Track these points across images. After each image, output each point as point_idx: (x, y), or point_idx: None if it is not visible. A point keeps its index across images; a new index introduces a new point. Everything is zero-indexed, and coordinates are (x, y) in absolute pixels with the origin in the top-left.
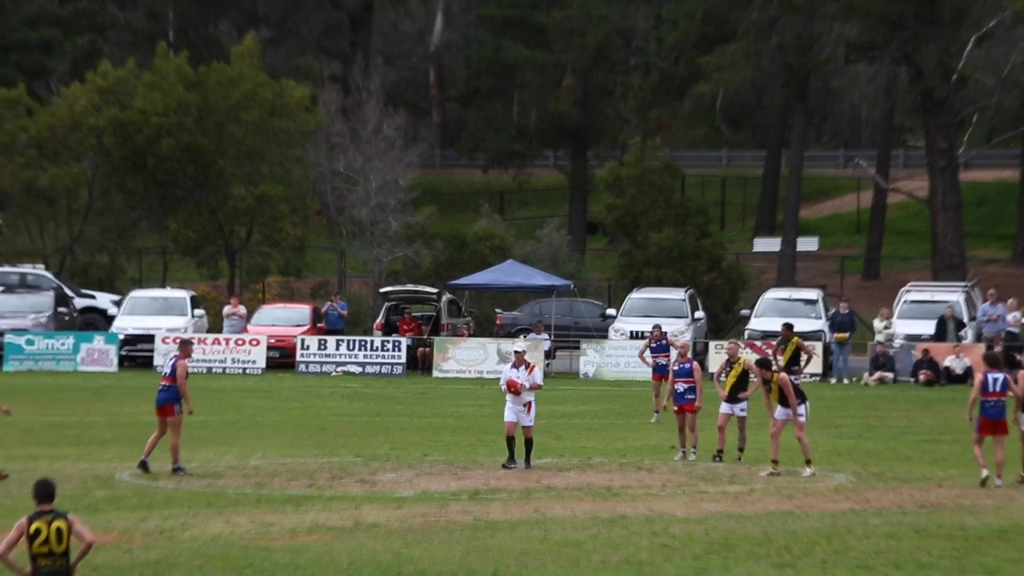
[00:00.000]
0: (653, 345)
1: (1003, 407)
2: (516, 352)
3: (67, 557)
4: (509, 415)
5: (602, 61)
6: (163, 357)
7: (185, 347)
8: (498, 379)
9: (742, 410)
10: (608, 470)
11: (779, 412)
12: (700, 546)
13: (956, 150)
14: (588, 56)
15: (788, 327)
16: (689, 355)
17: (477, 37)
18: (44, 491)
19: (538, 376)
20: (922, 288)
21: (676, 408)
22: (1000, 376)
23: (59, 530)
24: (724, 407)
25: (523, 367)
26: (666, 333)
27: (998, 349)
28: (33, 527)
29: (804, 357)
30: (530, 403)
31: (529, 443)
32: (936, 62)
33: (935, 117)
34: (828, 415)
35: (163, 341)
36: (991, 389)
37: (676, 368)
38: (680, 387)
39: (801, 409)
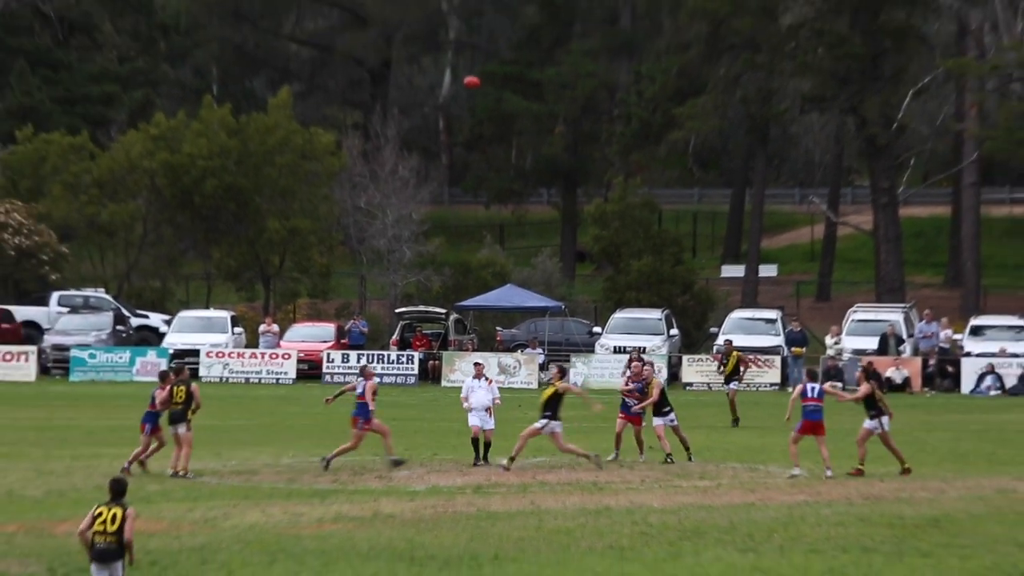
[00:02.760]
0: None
1: (821, 411)
2: (476, 364)
3: (117, 538)
4: (474, 420)
5: (589, 111)
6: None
7: (366, 371)
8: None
9: (671, 420)
10: (594, 468)
11: (868, 423)
12: (674, 533)
13: (896, 189)
14: (577, 107)
15: (729, 343)
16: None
17: (481, 90)
18: (116, 488)
19: (494, 391)
20: (867, 309)
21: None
22: (817, 385)
23: (115, 515)
24: (655, 420)
25: (483, 378)
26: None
27: (932, 362)
28: (98, 510)
29: (743, 368)
30: (490, 409)
31: (488, 445)
32: (879, 112)
33: (878, 160)
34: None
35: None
36: (809, 395)
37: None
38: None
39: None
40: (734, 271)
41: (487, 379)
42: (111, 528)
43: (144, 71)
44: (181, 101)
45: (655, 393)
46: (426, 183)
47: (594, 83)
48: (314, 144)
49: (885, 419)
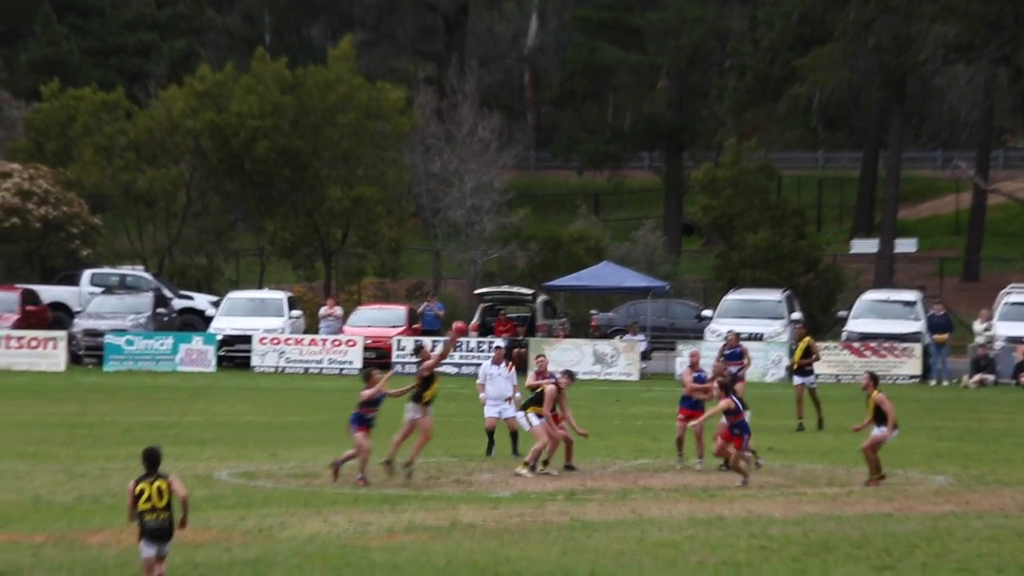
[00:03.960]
0: (727, 352)
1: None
2: (496, 348)
3: (169, 511)
4: (490, 412)
5: (697, 62)
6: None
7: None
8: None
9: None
10: (705, 471)
11: (876, 430)
12: (799, 548)
13: None
14: (683, 57)
15: (801, 325)
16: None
17: (572, 39)
18: (151, 459)
19: (514, 380)
20: (1023, 289)
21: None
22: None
23: (159, 489)
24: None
25: (503, 363)
26: (739, 338)
27: None
28: (138, 488)
29: (814, 357)
30: (511, 399)
31: (515, 434)
32: None
33: None
34: (928, 417)
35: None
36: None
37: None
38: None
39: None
40: (866, 246)
41: (508, 365)
42: (160, 503)
43: (186, 17)
44: (229, 52)
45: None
46: (509, 146)
47: (702, 30)
48: (381, 101)
49: None
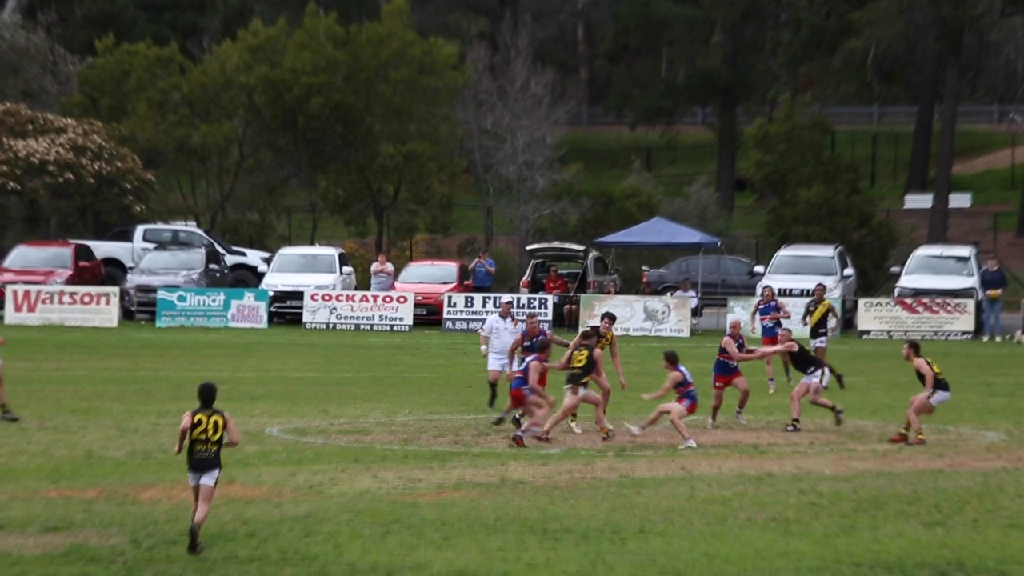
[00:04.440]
0: (762, 306)
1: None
2: (505, 303)
3: (219, 446)
4: (494, 364)
5: (752, 16)
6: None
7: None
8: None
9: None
10: (755, 428)
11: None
12: (848, 504)
13: None
14: (738, 11)
15: (821, 287)
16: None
17: None
18: (207, 394)
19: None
20: None
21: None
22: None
23: (216, 423)
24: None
25: (508, 318)
26: (775, 294)
27: None
28: (196, 418)
29: (834, 320)
30: (513, 353)
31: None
32: None
33: None
34: (980, 373)
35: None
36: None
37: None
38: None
39: (817, 375)
40: (920, 201)
41: (514, 319)
42: (213, 437)
43: None
44: (282, 7)
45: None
46: (562, 101)
47: None
48: (434, 57)
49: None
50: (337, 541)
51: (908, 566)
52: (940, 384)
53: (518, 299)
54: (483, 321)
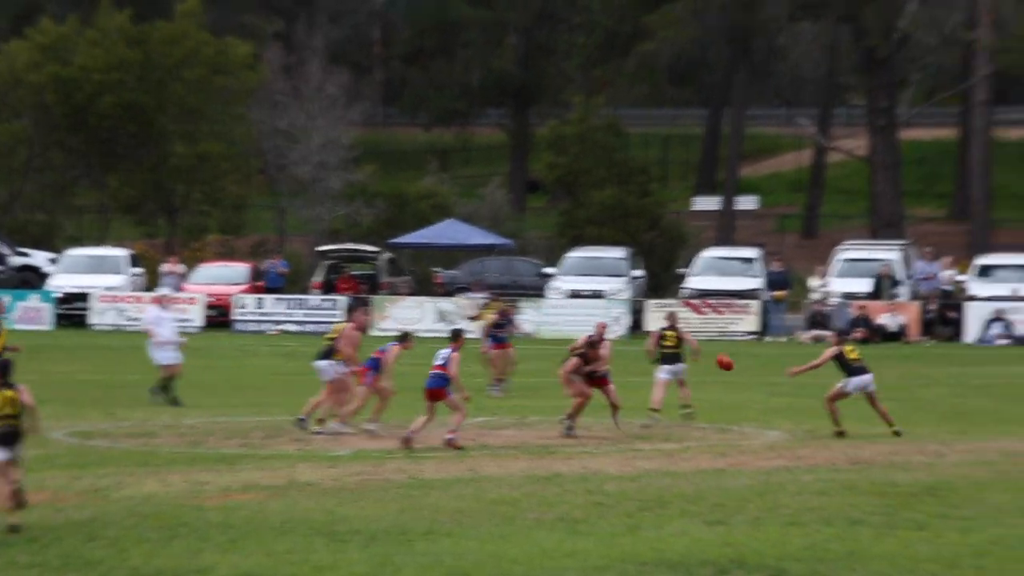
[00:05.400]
0: (498, 322)
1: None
2: (161, 297)
3: (19, 419)
4: (165, 356)
5: (546, 19)
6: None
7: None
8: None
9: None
10: (544, 429)
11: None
12: (633, 503)
13: (896, 108)
14: (531, 14)
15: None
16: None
17: None
18: (2, 370)
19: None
20: (859, 246)
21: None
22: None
23: (11, 398)
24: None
25: (167, 309)
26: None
27: (932, 307)
28: None
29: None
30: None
31: (171, 379)
32: (878, 21)
33: (876, 76)
34: (763, 373)
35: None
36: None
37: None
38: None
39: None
40: (709, 203)
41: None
42: (12, 411)
43: None
44: (73, 5)
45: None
46: (357, 102)
47: None
48: (228, 56)
49: None
50: (121, 546)
51: (691, 564)
52: (854, 371)
53: (309, 300)
54: (275, 323)
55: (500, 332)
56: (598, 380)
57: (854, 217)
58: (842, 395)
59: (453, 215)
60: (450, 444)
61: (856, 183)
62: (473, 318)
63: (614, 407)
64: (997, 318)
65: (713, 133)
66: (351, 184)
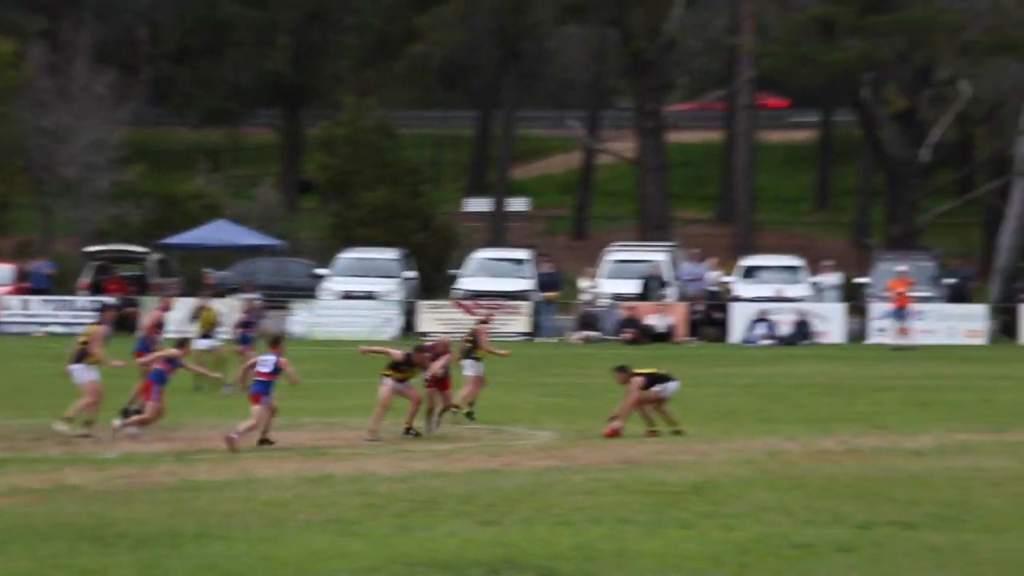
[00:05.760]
0: (247, 320)
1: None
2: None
3: None
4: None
5: (317, 19)
6: None
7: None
8: None
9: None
10: (316, 430)
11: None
12: (405, 504)
13: (663, 111)
14: (303, 14)
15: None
16: None
17: None
18: None
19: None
20: (627, 248)
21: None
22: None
23: None
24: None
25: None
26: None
27: (699, 308)
28: None
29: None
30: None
31: None
32: (645, 24)
33: (643, 79)
34: (534, 374)
35: None
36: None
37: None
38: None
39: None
40: (479, 205)
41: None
42: None
43: None
44: None
45: None
46: (125, 101)
47: None
48: None
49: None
50: None
51: (462, 564)
52: (658, 379)
53: (76, 302)
54: (41, 325)
55: (248, 331)
56: (439, 382)
57: (623, 219)
58: (660, 399)
59: (224, 216)
60: (231, 443)
61: (624, 185)
62: (194, 318)
63: (445, 407)
64: (761, 318)
65: (484, 135)
66: (119, 184)
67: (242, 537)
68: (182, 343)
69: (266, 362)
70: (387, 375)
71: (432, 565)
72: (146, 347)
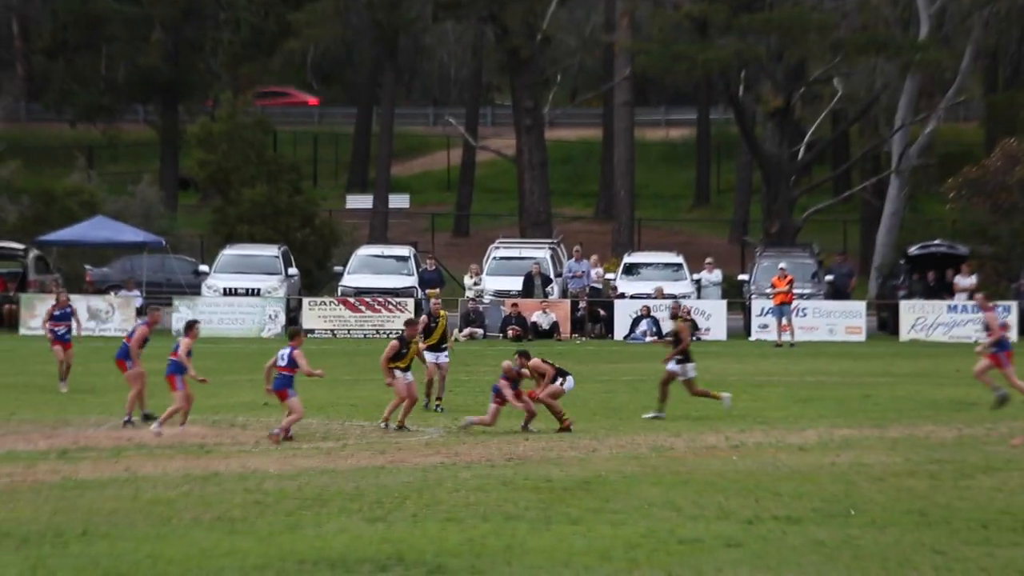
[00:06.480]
0: (56, 312)
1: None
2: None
3: None
4: None
5: (192, 15)
6: None
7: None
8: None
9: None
10: (201, 427)
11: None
12: (293, 502)
13: (542, 108)
14: (178, 10)
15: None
16: None
17: None
18: None
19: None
20: (510, 245)
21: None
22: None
23: None
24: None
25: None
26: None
27: (582, 305)
28: None
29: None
30: None
31: None
32: (521, 21)
33: (521, 76)
34: (418, 369)
35: None
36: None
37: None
38: None
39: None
40: (361, 202)
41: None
42: None
43: None
44: None
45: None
46: None
47: None
48: None
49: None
50: None
51: (350, 561)
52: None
53: None
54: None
55: (58, 326)
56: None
57: (504, 216)
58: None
59: (102, 212)
60: (273, 438)
61: (505, 182)
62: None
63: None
64: (645, 315)
65: (363, 132)
66: None
67: (127, 535)
68: (189, 327)
69: (283, 356)
70: (394, 367)
71: (320, 563)
72: (127, 355)
